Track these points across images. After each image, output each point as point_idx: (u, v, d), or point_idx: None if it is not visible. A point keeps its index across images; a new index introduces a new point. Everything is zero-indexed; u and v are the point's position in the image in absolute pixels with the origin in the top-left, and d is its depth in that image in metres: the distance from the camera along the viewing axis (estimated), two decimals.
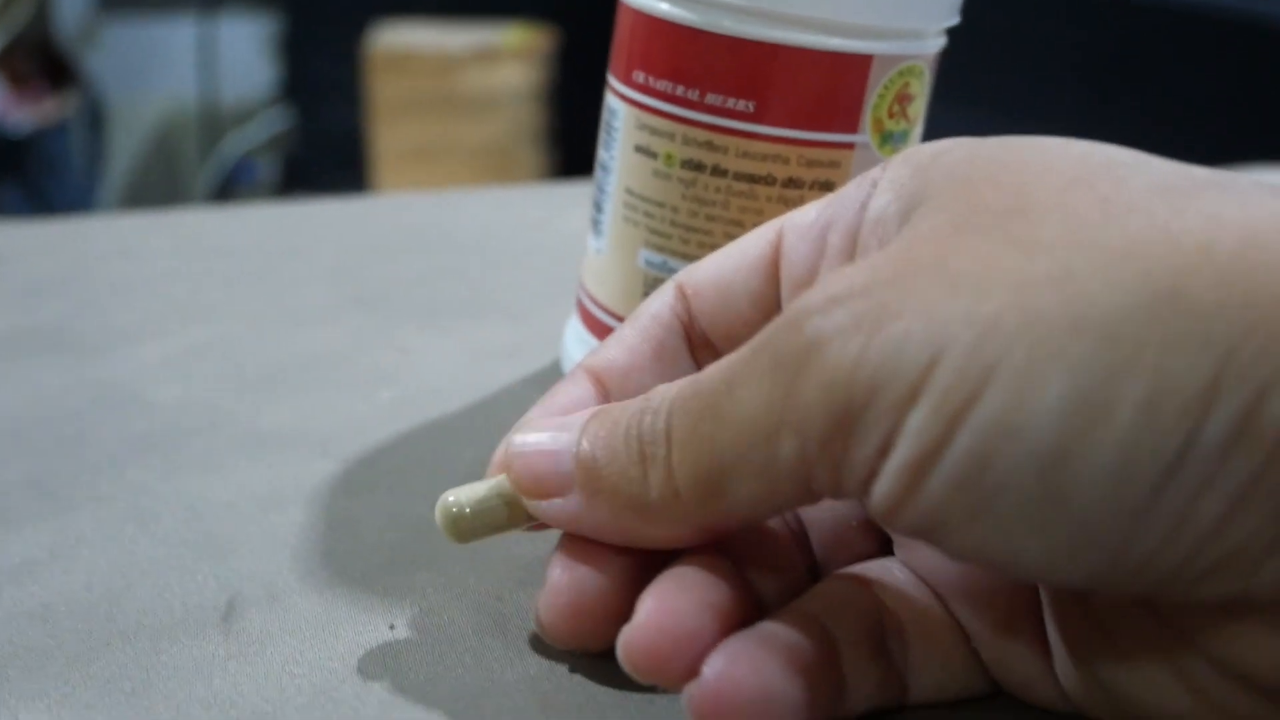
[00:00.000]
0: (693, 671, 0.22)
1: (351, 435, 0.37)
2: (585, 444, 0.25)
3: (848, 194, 0.26)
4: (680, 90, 0.34)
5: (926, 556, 0.27)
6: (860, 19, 0.33)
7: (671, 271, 0.35)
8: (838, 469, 0.21)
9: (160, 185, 2.44)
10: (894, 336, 0.20)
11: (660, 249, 0.35)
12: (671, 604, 0.23)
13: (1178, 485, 0.18)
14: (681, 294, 0.28)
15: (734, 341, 0.25)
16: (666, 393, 0.24)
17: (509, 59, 2.13)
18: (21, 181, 2.12)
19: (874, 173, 0.25)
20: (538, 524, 0.27)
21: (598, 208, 0.38)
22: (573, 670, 0.27)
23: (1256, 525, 0.18)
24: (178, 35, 2.36)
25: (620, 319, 0.37)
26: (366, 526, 0.32)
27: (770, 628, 0.23)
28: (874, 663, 0.25)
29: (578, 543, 0.26)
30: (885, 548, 0.28)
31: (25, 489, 0.33)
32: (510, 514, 0.26)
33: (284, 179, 2.39)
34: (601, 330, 0.37)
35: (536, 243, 0.56)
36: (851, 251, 0.25)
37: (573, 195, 0.62)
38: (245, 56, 2.39)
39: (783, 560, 0.27)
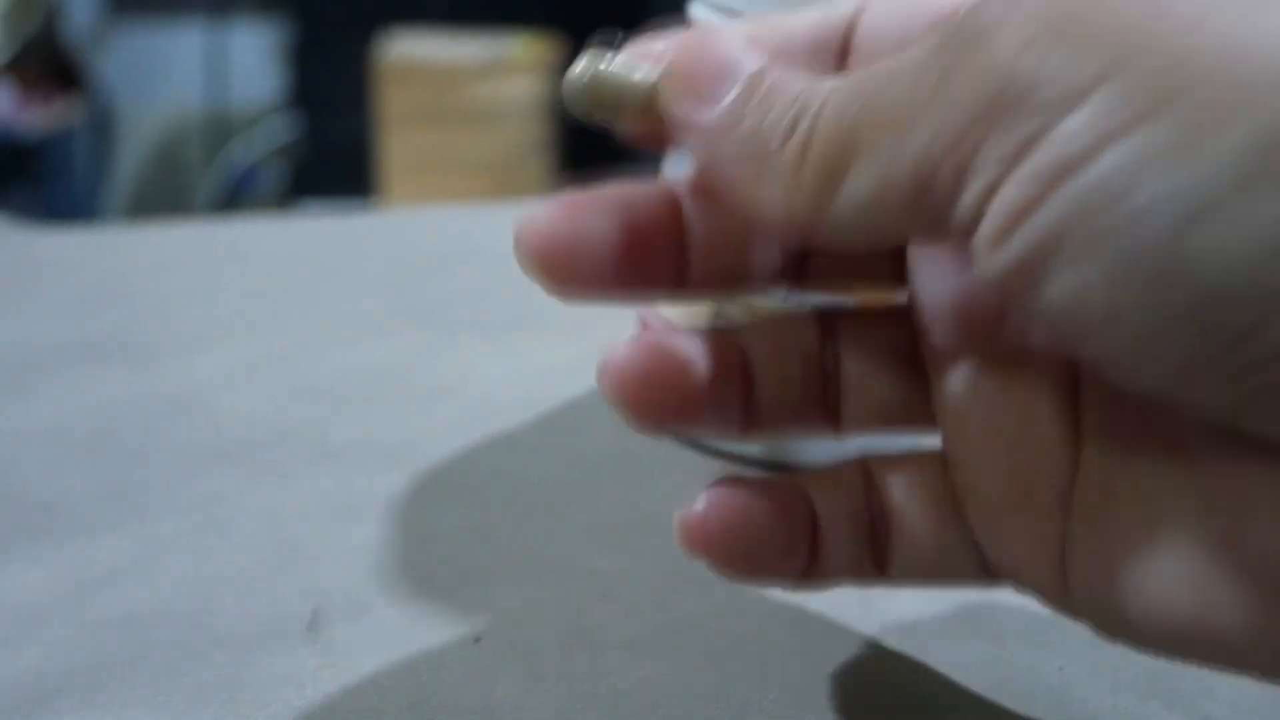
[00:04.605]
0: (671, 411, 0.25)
1: (420, 447, 0.37)
2: (760, 79, 0.23)
3: None
4: None
5: (964, 407, 0.25)
6: None
7: None
8: (965, 170, 0.19)
9: (166, 192, 2.44)
10: (1071, 38, 0.18)
11: None
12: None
13: None
14: (855, 21, 0.26)
15: None
16: (839, 78, 0.22)
17: (517, 71, 2.13)
18: (29, 185, 2.12)
19: None
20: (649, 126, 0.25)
21: None
22: (662, 687, 0.28)
23: None
24: (186, 42, 2.36)
25: None
26: (442, 539, 0.33)
27: (761, 483, 0.26)
28: (852, 542, 0.26)
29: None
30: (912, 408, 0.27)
31: (102, 498, 0.34)
32: (642, 98, 0.24)
33: (290, 188, 2.39)
34: None
35: None
36: None
37: None
38: (253, 64, 2.40)
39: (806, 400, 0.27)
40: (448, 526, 0.33)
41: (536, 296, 0.50)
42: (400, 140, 2.14)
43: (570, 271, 0.24)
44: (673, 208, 0.25)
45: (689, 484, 0.26)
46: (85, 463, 0.35)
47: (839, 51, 0.26)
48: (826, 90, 0.22)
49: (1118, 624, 0.23)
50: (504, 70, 2.12)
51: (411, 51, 2.11)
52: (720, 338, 0.26)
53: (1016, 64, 0.19)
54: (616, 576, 0.31)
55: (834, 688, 0.28)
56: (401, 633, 0.29)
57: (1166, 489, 0.21)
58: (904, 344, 0.27)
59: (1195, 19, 0.18)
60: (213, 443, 0.37)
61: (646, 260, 0.25)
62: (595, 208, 0.25)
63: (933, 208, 0.20)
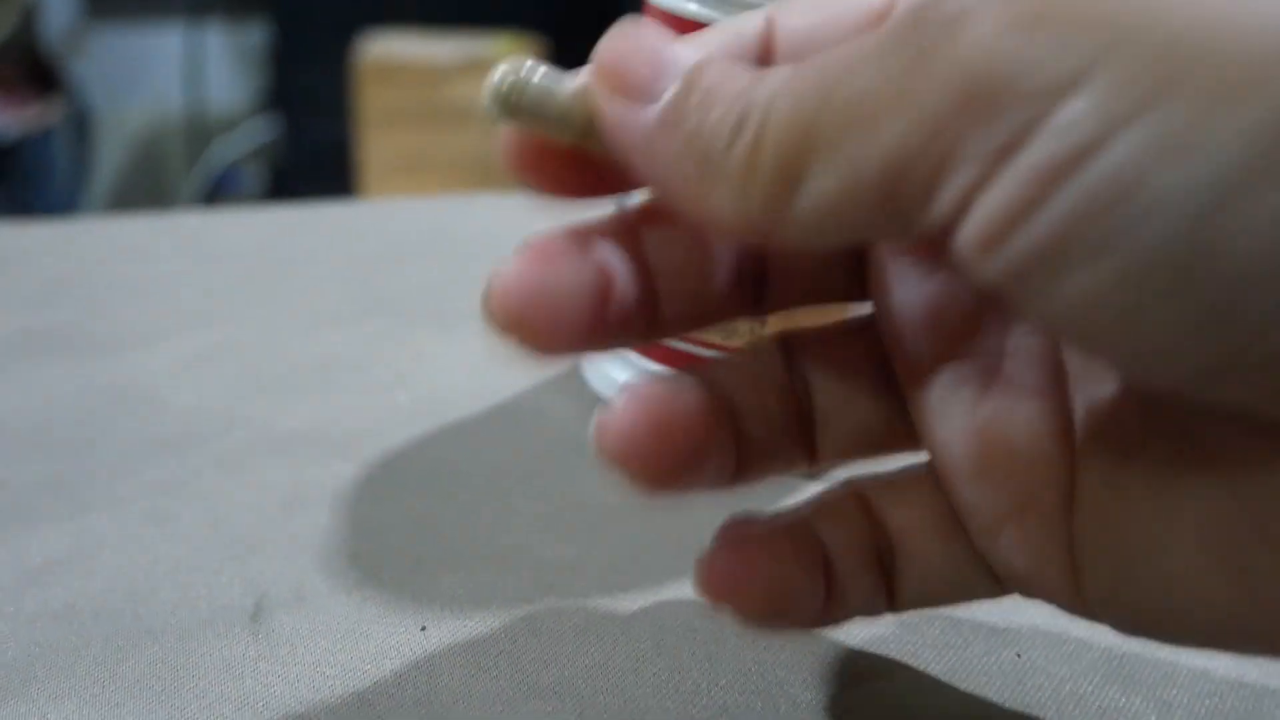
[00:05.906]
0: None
1: (370, 438, 0.36)
2: (700, 73, 0.21)
3: None
4: None
5: (945, 422, 0.24)
6: None
7: None
8: (943, 167, 0.18)
9: (145, 194, 2.43)
10: (1054, 22, 0.17)
11: None
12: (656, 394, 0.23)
13: None
14: (770, 26, 0.24)
15: None
16: (789, 69, 0.20)
17: None
18: (5, 188, 2.11)
19: None
20: (583, 144, 0.22)
21: None
22: (610, 674, 0.27)
23: None
24: (164, 43, 2.35)
25: None
26: (391, 529, 0.32)
27: (772, 524, 0.25)
28: (865, 573, 0.24)
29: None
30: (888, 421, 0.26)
31: (43, 490, 0.33)
32: (566, 108, 0.22)
33: (270, 189, 2.38)
34: None
35: None
36: None
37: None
38: (232, 66, 2.39)
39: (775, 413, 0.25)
40: (395, 516, 0.33)
41: None
42: (380, 141, 2.13)
43: (549, 330, 0.23)
44: (635, 240, 0.23)
45: None
46: (28, 454, 0.34)
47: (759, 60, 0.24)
48: (776, 83, 0.20)
49: (1139, 621, 0.22)
50: (483, 70, 2.07)
51: (391, 52, 2.11)
52: (702, 379, 0.24)
53: (996, 50, 0.17)
54: (565, 565, 0.31)
55: (785, 673, 0.28)
56: (346, 622, 0.28)
57: (1183, 480, 0.20)
58: (872, 362, 0.25)
59: (1210, 3, 0.16)
60: (158, 434, 0.36)
61: (620, 306, 0.23)
62: (565, 255, 0.23)
63: (904, 207, 0.18)
